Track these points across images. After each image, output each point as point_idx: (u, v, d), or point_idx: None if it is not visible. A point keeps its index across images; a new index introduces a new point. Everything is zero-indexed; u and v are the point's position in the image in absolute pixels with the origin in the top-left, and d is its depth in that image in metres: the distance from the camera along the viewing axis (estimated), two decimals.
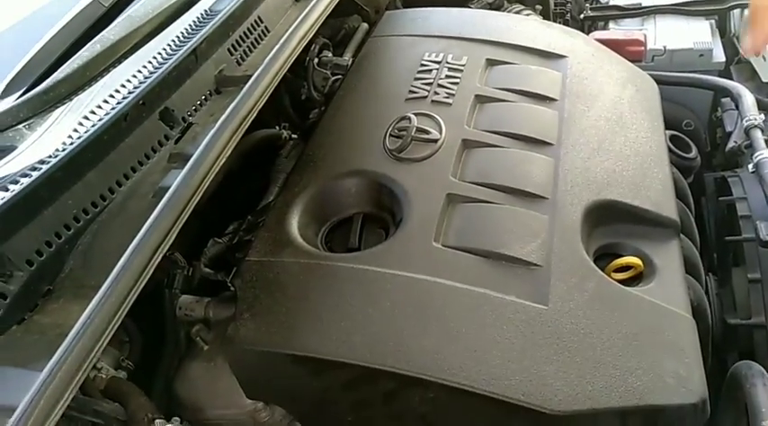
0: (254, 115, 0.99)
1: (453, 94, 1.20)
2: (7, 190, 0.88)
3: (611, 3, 1.79)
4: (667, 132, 1.40)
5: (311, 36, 1.17)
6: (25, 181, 0.87)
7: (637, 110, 1.24)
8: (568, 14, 1.79)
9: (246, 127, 0.97)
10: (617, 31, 1.68)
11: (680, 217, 1.20)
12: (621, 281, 0.97)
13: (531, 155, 1.08)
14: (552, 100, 1.20)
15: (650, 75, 1.43)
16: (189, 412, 0.97)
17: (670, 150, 1.37)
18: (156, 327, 1.06)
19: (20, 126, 0.97)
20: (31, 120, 0.97)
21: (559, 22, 1.77)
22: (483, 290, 0.87)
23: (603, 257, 1.02)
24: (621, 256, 1.01)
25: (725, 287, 1.29)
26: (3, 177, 0.92)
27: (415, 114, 1.14)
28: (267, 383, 0.89)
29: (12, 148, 0.98)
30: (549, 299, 0.87)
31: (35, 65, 1.01)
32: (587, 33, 1.70)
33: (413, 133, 1.10)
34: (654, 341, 0.85)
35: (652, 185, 1.08)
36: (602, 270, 0.98)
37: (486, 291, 0.87)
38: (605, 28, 1.74)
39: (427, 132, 1.11)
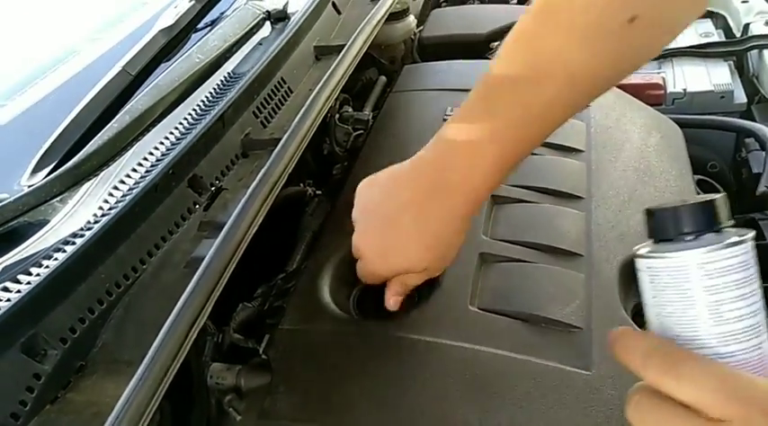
0: (285, 179, 0.99)
1: None
2: (41, 265, 0.88)
3: None
4: (694, 177, 1.39)
5: (336, 95, 1.17)
6: (60, 256, 0.87)
7: (663, 157, 1.23)
8: None
9: (277, 191, 0.97)
10: (635, 75, 1.68)
11: None
12: None
13: (563, 210, 1.07)
14: (578, 151, 1.20)
15: (672, 118, 1.42)
16: None
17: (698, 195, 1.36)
18: (185, 397, 1.05)
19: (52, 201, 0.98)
20: (63, 195, 0.98)
21: None
22: (524, 357, 0.85)
23: (640, 315, 0.99)
24: None
25: None
26: (36, 253, 0.92)
27: None
28: None
29: (45, 222, 0.99)
30: (593, 363, 0.84)
31: (65, 138, 1.02)
32: None
33: None
34: None
35: None
36: (641, 328, 0.96)
37: (528, 358, 0.85)
38: None
39: None
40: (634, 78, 1.67)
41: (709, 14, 1.88)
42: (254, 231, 0.90)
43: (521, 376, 0.83)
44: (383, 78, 1.65)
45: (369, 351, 0.88)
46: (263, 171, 0.97)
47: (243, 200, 0.92)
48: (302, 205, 1.33)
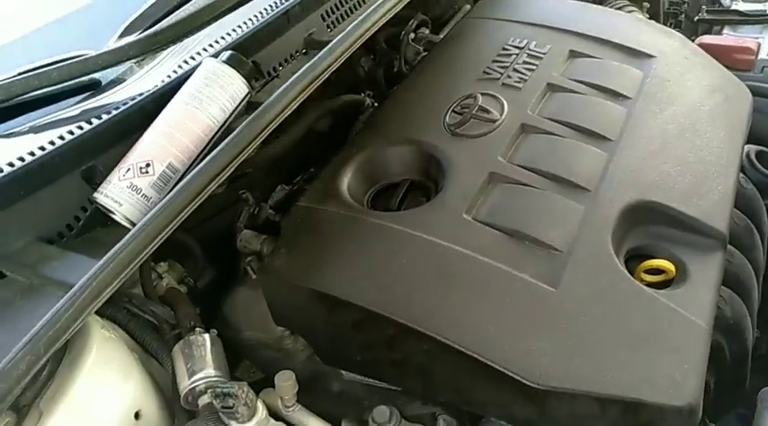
0: (327, 74, 1.08)
1: (525, 80, 1.23)
2: (109, 113, 1.04)
3: (733, 7, 1.70)
4: (754, 147, 1.34)
5: (397, 10, 1.24)
6: (123, 108, 1.03)
7: (717, 119, 1.20)
8: (682, 15, 1.73)
9: (318, 83, 1.06)
10: (728, 36, 1.60)
11: (740, 234, 1.17)
12: (650, 284, 0.98)
13: (585, 148, 1.10)
14: (625, 97, 1.20)
15: (752, 86, 1.36)
16: (229, 330, 1.10)
17: (752, 166, 1.32)
18: (226, 259, 1.21)
19: (130, 62, 1.14)
20: (141, 58, 1.13)
21: (671, 23, 1.71)
22: (498, 264, 0.92)
23: (637, 257, 1.02)
24: (656, 258, 1.01)
25: None
26: (110, 103, 1.09)
27: (482, 94, 1.19)
28: (291, 313, 0.99)
29: (122, 80, 1.15)
30: (560, 283, 0.90)
31: (149, 13, 1.16)
32: (700, 35, 1.63)
33: (474, 111, 1.15)
34: (657, 342, 0.86)
35: (707, 195, 1.06)
36: (634, 269, 0.99)
37: (501, 266, 0.92)
38: (720, 32, 1.66)
39: (488, 112, 1.15)
40: (727, 39, 1.59)
41: None
42: (287, 112, 1.01)
43: (489, 278, 0.91)
44: (467, 7, 1.68)
45: (362, 234, 0.98)
46: (308, 64, 1.07)
47: (283, 86, 1.03)
48: (359, 112, 1.43)
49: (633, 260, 1.01)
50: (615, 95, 1.20)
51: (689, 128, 1.16)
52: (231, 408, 0.79)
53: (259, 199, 1.26)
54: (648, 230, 1.03)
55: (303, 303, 0.95)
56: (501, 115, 1.15)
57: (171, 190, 0.91)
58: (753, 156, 1.31)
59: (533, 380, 0.80)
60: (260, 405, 0.83)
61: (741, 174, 1.29)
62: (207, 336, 0.99)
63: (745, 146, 1.36)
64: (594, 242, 0.95)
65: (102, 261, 0.82)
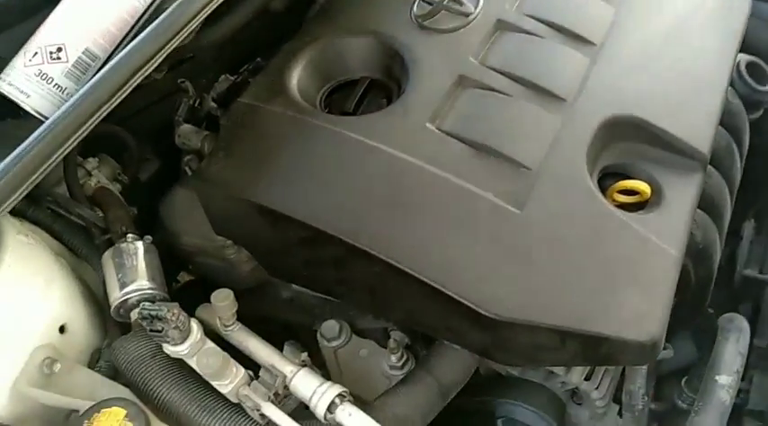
0: None
1: None
2: None
3: None
4: (746, 57, 1.25)
5: None
6: None
7: (709, 27, 1.09)
8: None
9: None
10: None
11: (721, 153, 1.10)
12: (623, 205, 0.91)
13: (566, 51, 0.99)
14: None
15: None
16: (166, 234, 1.01)
17: (741, 78, 1.23)
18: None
19: None
20: None
21: None
22: (460, 182, 0.84)
23: (612, 176, 0.94)
24: (631, 178, 0.93)
25: (761, 234, 1.20)
26: None
27: None
28: (231, 223, 0.91)
29: None
30: (526, 205, 0.82)
31: None
32: None
33: (445, 1, 1.02)
34: (624, 270, 0.80)
35: (691, 111, 0.97)
36: (607, 188, 0.92)
37: (464, 183, 0.84)
38: None
39: (461, 3, 1.02)
40: None
41: None
42: None
43: (450, 198, 0.83)
44: None
45: (312, 141, 0.88)
46: None
47: None
48: None
49: (608, 178, 0.94)
50: None
51: (678, 38, 1.06)
52: (160, 332, 0.72)
53: (203, 88, 1.13)
54: (626, 147, 0.95)
55: (242, 215, 0.86)
56: (475, 8, 1.02)
57: (89, 80, 0.78)
58: (743, 67, 1.22)
59: (489, 310, 0.75)
60: (194, 326, 0.76)
61: (729, 88, 1.20)
62: (140, 244, 0.91)
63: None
64: (567, 159, 0.87)
65: (4, 164, 0.70)
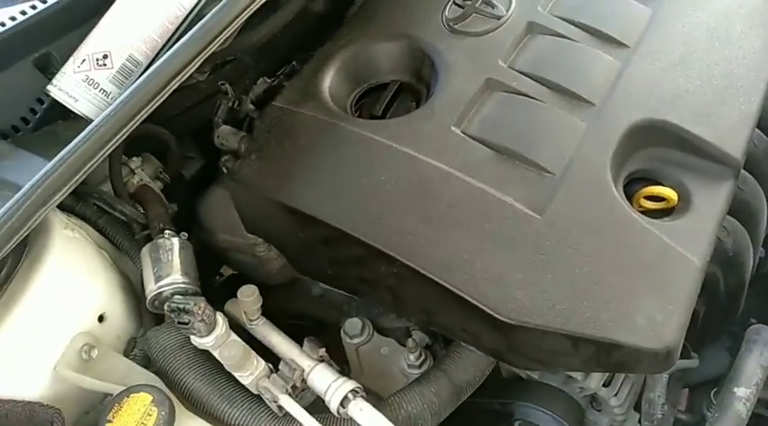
0: None
1: None
2: None
3: None
4: None
5: None
6: None
7: (750, 27, 1.06)
8: None
9: None
10: None
11: (757, 157, 1.07)
12: (649, 211, 0.91)
13: (598, 55, 0.98)
14: None
15: None
16: (203, 232, 1.06)
17: None
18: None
19: None
20: None
21: None
22: (482, 186, 0.85)
23: (640, 181, 0.94)
24: (659, 184, 0.92)
25: None
26: None
27: None
28: (261, 222, 0.94)
29: None
30: (546, 210, 0.83)
31: None
32: None
33: (477, 4, 1.03)
34: (642, 278, 0.80)
35: (726, 115, 0.95)
36: (634, 194, 0.92)
37: (486, 187, 0.85)
38: None
39: (493, 6, 1.03)
40: None
41: None
42: None
43: (471, 201, 0.84)
44: None
45: (340, 144, 0.91)
46: None
47: None
48: None
49: (635, 183, 0.93)
50: None
51: (719, 36, 1.03)
52: (187, 324, 0.76)
53: (243, 90, 1.17)
54: (656, 152, 0.94)
55: (271, 214, 0.90)
56: (507, 11, 1.02)
57: (132, 85, 0.83)
58: None
59: (504, 314, 0.76)
60: (220, 319, 0.80)
61: None
62: (176, 240, 0.95)
63: None
64: (592, 165, 0.87)
65: (51, 164, 0.76)
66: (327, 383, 0.78)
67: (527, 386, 1.00)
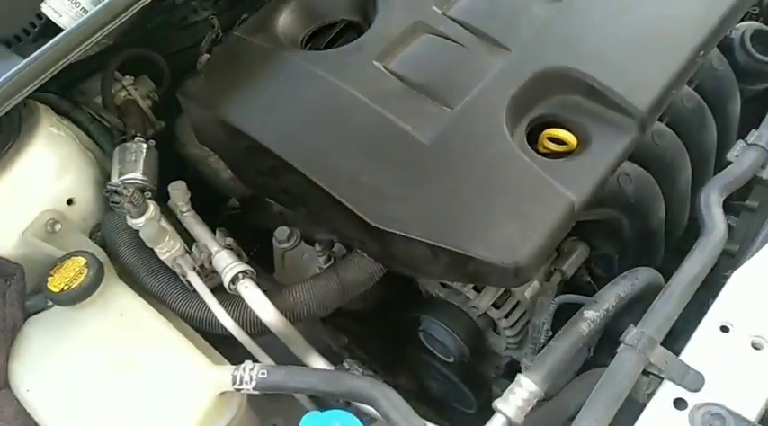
0: None
1: None
2: None
3: None
4: (754, 25, 1.22)
5: None
6: None
7: None
8: None
9: None
10: None
11: (685, 114, 1.11)
12: (550, 152, 0.98)
13: (528, 7, 1.05)
14: None
15: None
16: (177, 144, 1.23)
17: (743, 45, 1.20)
18: None
19: None
20: None
21: None
22: (387, 114, 0.95)
23: (548, 125, 1.01)
24: (564, 128, 0.99)
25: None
26: None
27: None
28: (206, 133, 1.09)
29: None
30: (435, 138, 0.92)
31: None
32: None
33: None
34: (509, 202, 0.88)
35: (643, 70, 1.00)
36: (539, 135, 0.99)
37: (390, 116, 0.95)
38: None
39: None
40: None
41: None
42: None
43: (372, 127, 0.95)
44: None
45: (275, 70, 1.03)
46: None
47: None
48: None
49: (542, 127, 1.00)
50: None
51: None
52: (117, 204, 0.92)
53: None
54: (567, 99, 1.00)
55: (210, 126, 1.04)
56: None
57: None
58: (747, 35, 1.18)
59: (375, 221, 0.87)
60: (151, 206, 0.96)
61: (720, 54, 1.19)
62: (143, 146, 1.12)
63: (746, 24, 1.23)
64: (488, 104, 0.95)
65: (25, 61, 0.93)
66: (225, 264, 0.92)
67: (434, 302, 1.11)
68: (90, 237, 1.06)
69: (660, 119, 1.09)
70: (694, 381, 0.76)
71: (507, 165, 0.91)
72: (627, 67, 1.00)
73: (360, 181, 0.91)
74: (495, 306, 1.05)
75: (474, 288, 1.05)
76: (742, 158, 0.94)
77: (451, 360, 1.10)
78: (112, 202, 0.94)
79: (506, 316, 1.05)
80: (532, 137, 0.99)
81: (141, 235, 0.92)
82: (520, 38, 1.02)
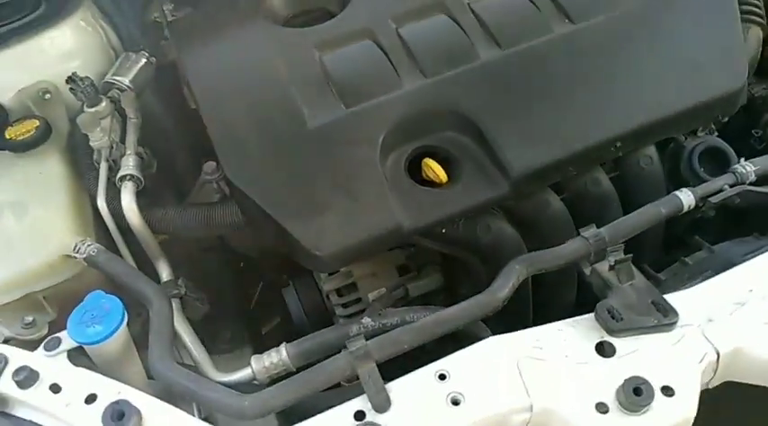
0: None
1: None
2: None
3: None
4: (711, 140, 1.20)
5: None
6: None
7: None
8: None
9: None
10: None
11: (585, 199, 1.14)
12: (428, 179, 1.07)
13: (469, 45, 1.12)
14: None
15: None
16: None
17: (689, 160, 1.20)
18: None
19: None
20: None
21: None
22: (297, 96, 1.08)
23: (431, 154, 1.08)
24: (443, 161, 1.07)
25: None
26: None
27: None
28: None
29: None
30: (318, 128, 1.06)
31: None
32: None
33: None
34: (346, 204, 1.00)
35: (540, 138, 1.06)
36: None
37: (299, 98, 1.08)
38: None
39: None
40: None
41: None
42: None
43: (281, 103, 1.09)
44: None
45: (240, 32, 1.20)
46: None
47: None
48: None
49: (427, 154, 1.09)
50: None
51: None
52: (74, 91, 1.15)
53: None
54: (457, 138, 1.08)
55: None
56: None
57: None
58: (697, 150, 1.17)
59: (232, 175, 1.03)
60: (104, 103, 1.18)
61: (654, 155, 1.17)
62: (143, 59, 1.34)
63: (706, 138, 1.21)
64: (379, 115, 1.06)
65: None
66: (125, 165, 1.13)
67: (306, 275, 1.25)
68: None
69: (559, 193, 1.13)
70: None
71: (363, 172, 1.02)
72: (526, 131, 1.06)
73: (238, 137, 1.06)
74: (339, 293, 1.17)
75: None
76: (571, 243, 0.95)
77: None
78: (71, 89, 1.17)
79: (344, 305, 1.17)
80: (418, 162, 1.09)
81: (77, 119, 1.14)
82: (443, 72, 1.10)
